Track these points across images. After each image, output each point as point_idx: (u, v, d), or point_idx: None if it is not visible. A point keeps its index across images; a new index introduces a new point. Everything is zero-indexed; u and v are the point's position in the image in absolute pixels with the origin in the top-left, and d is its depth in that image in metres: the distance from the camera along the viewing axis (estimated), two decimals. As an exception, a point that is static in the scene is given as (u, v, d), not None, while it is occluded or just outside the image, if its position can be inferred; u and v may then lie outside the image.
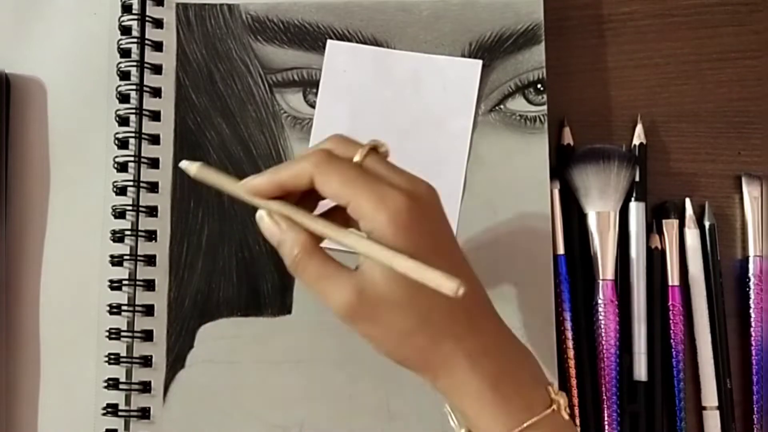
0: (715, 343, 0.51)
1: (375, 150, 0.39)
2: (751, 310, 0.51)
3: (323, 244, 0.39)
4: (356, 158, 0.38)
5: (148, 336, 0.49)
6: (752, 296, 0.51)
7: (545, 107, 0.50)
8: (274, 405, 0.48)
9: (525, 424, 0.37)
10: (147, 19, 0.51)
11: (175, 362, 0.49)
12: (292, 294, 0.49)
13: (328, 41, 0.51)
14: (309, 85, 0.51)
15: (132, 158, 0.50)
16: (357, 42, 0.51)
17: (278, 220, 0.39)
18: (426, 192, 0.38)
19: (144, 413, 0.48)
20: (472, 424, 0.38)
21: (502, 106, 0.51)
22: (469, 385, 0.38)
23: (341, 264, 0.38)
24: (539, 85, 0.51)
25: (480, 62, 0.51)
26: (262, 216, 0.39)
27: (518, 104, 0.51)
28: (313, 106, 0.51)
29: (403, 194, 0.36)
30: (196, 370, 0.49)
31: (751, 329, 0.51)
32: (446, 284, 0.33)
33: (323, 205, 0.40)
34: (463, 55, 0.51)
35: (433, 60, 0.51)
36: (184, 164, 0.41)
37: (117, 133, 0.50)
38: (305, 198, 0.40)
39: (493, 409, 0.37)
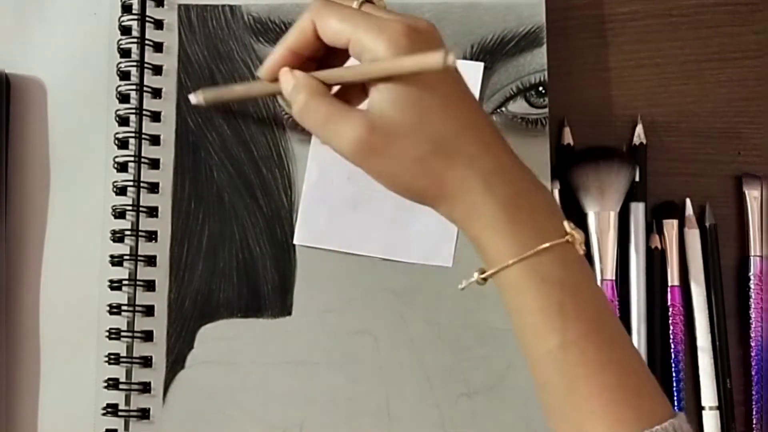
0: (714, 343, 0.51)
1: (369, 1, 0.40)
2: (751, 310, 0.51)
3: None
4: (353, 5, 0.40)
5: (148, 336, 0.49)
6: (752, 296, 0.51)
7: (546, 110, 0.51)
8: (273, 406, 0.48)
9: (537, 248, 0.37)
10: (147, 19, 0.51)
11: (175, 363, 0.49)
12: (293, 295, 0.49)
13: None
14: None
15: (132, 158, 0.50)
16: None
17: (294, 72, 0.40)
18: (425, 24, 0.39)
19: (144, 414, 0.48)
20: (486, 251, 0.38)
21: (503, 109, 0.51)
22: (483, 206, 0.37)
23: (349, 105, 0.39)
24: (541, 88, 0.51)
25: (481, 65, 0.51)
26: (284, 70, 0.40)
27: (519, 107, 0.51)
28: (313, 107, 0.51)
29: (401, 22, 0.37)
30: (196, 370, 0.49)
31: (751, 329, 0.51)
32: (433, 57, 0.34)
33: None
34: (464, 58, 0.51)
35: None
36: (192, 98, 0.46)
37: (117, 133, 0.50)
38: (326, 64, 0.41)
39: (506, 232, 0.37)
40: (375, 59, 0.37)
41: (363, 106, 0.40)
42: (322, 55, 0.42)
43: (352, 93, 0.41)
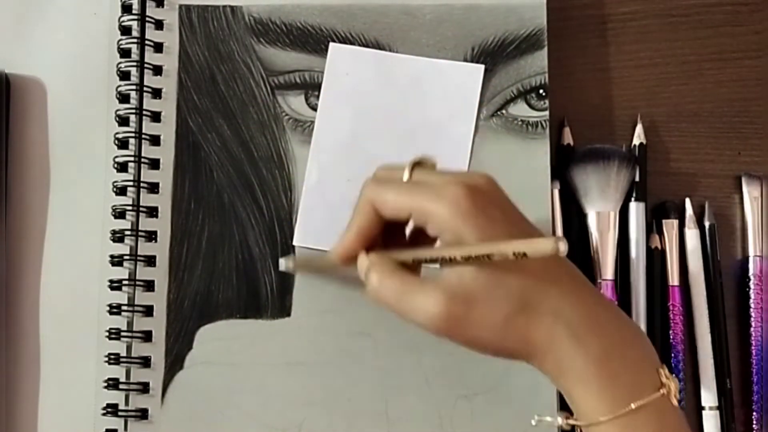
0: (714, 343, 0.51)
1: (419, 164, 0.39)
2: (751, 310, 0.51)
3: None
4: (404, 175, 0.39)
5: (147, 336, 0.49)
6: (752, 296, 0.51)
7: (547, 113, 0.51)
8: (272, 407, 0.48)
9: (631, 406, 0.35)
10: (147, 19, 0.51)
11: (174, 363, 0.49)
12: (292, 296, 0.49)
13: (331, 44, 0.51)
14: (311, 87, 0.51)
15: (132, 158, 0.50)
16: (359, 45, 0.51)
17: (370, 254, 0.39)
18: (482, 178, 0.38)
19: (142, 414, 0.48)
20: (578, 407, 0.37)
21: (503, 111, 0.51)
22: (573, 361, 0.36)
23: (423, 279, 0.38)
24: (541, 91, 0.51)
25: (482, 67, 0.51)
26: (361, 256, 0.40)
27: (520, 109, 0.51)
28: (314, 108, 0.51)
29: (458, 184, 0.36)
30: (194, 371, 0.49)
31: (751, 329, 0.51)
32: (544, 244, 0.33)
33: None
34: (465, 60, 0.51)
35: (435, 64, 0.51)
36: (282, 263, 0.47)
37: (117, 133, 0.50)
38: (393, 233, 0.41)
39: (598, 388, 0.36)
40: (442, 230, 0.36)
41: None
42: (386, 233, 0.41)
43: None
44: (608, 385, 0.36)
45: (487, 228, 0.36)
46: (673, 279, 0.51)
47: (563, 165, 0.52)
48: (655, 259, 0.52)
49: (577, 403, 0.37)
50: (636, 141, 0.53)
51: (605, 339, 0.37)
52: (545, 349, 0.36)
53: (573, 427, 0.39)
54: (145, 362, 0.49)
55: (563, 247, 0.33)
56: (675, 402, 0.36)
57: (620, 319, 0.38)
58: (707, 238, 0.52)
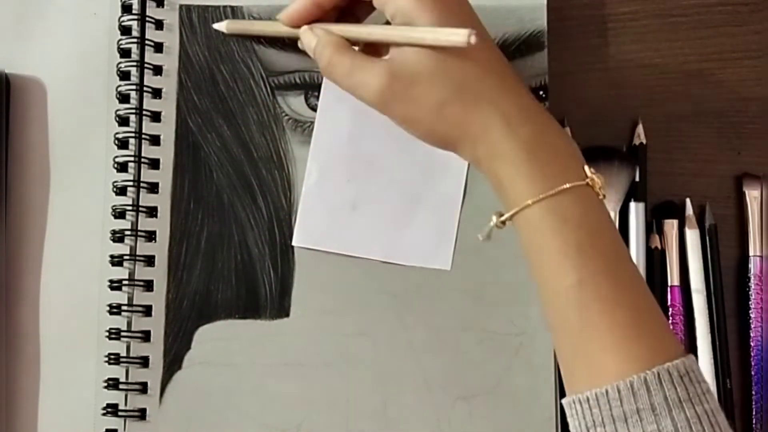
0: (714, 343, 0.51)
1: None
2: (751, 311, 0.51)
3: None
4: None
5: (146, 336, 0.49)
6: (752, 296, 0.51)
7: (547, 114, 0.51)
8: (270, 408, 0.49)
9: (557, 189, 0.37)
10: (147, 19, 0.51)
11: (172, 363, 0.49)
12: (291, 297, 0.50)
13: None
14: (311, 88, 0.51)
15: (132, 158, 0.50)
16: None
17: (315, 29, 0.43)
18: None
19: (141, 414, 0.48)
20: (506, 191, 0.39)
21: (503, 113, 0.51)
22: (505, 146, 0.38)
23: (372, 57, 0.41)
24: (542, 92, 0.51)
25: None
26: (304, 29, 0.43)
27: (520, 111, 0.51)
28: (314, 109, 0.51)
29: None
30: (193, 371, 0.49)
31: (751, 329, 0.51)
32: (457, 36, 0.35)
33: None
34: None
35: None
36: (216, 26, 0.50)
37: (117, 133, 0.50)
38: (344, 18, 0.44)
39: (528, 171, 0.38)
40: (395, 14, 0.39)
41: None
42: (344, 6, 0.44)
43: (373, 47, 0.43)
44: (538, 169, 0.38)
45: (441, 19, 0.38)
46: (673, 279, 0.52)
47: (563, 165, 0.52)
48: (655, 259, 0.52)
49: (507, 188, 0.39)
50: (636, 141, 0.53)
51: (536, 126, 0.39)
52: (478, 134, 0.39)
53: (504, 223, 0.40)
54: (144, 362, 0.49)
55: (474, 39, 0.35)
56: (601, 194, 0.39)
57: (549, 117, 0.40)
58: (707, 238, 0.52)
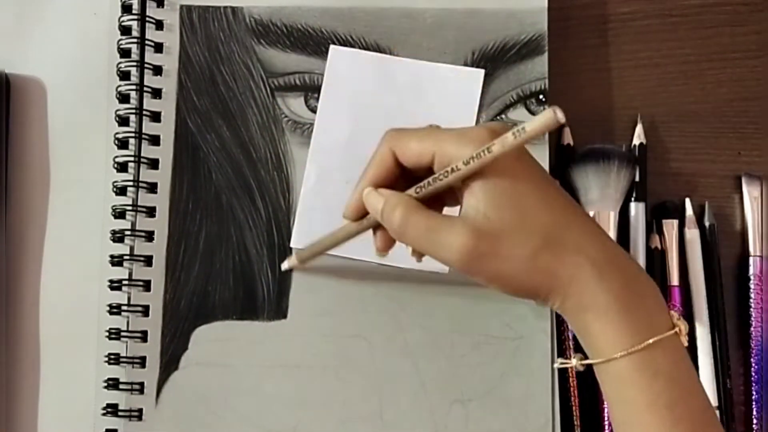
0: (714, 343, 0.51)
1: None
2: (751, 310, 0.51)
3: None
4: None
5: (144, 336, 0.49)
6: (752, 296, 0.51)
7: (547, 118, 0.51)
8: (267, 409, 0.49)
9: (648, 341, 0.36)
10: (148, 19, 0.51)
11: (169, 363, 0.49)
12: (288, 299, 0.50)
13: (331, 47, 0.51)
14: (311, 89, 0.51)
15: (132, 158, 0.50)
16: (360, 48, 0.52)
17: (381, 190, 0.40)
18: (497, 124, 0.40)
19: (138, 414, 0.49)
20: (595, 343, 0.38)
21: (503, 116, 0.51)
22: (596, 296, 0.37)
23: (445, 215, 0.39)
24: (541, 96, 0.51)
25: (482, 72, 0.51)
26: (368, 192, 0.40)
27: (520, 114, 0.51)
28: (314, 111, 0.51)
29: (480, 127, 0.38)
30: (189, 372, 0.49)
31: (751, 329, 0.51)
32: (544, 116, 0.34)
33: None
34: (465, 64, 0.51)
35: (435, 68, 0.51)
36: (285, 265, 0.48)
37: (117, 133, 0.51)
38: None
39: (619, 322, 0.37)
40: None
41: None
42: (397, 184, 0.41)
43: (441, 204, 0.41)
44: (627, 321, 0.37)
45: None
46: (673, 279, 0.51)
47: (563, 165, 0.52)
48: (656, 259, 0.52)
49: (596, 338, 0.37)
50: (636, 141, 0.53)
51: (624, 275, 0.37)
52: (569, 284, 0.37)
53: (587, 367, 0.39)
54: (142, 362, 0.49)
55: (560, 114, 0.34)
56: (685, 342, 0.37)
57: (632, 259, 0.39)
58: (707, 238, 0.52)
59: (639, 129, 0.53)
